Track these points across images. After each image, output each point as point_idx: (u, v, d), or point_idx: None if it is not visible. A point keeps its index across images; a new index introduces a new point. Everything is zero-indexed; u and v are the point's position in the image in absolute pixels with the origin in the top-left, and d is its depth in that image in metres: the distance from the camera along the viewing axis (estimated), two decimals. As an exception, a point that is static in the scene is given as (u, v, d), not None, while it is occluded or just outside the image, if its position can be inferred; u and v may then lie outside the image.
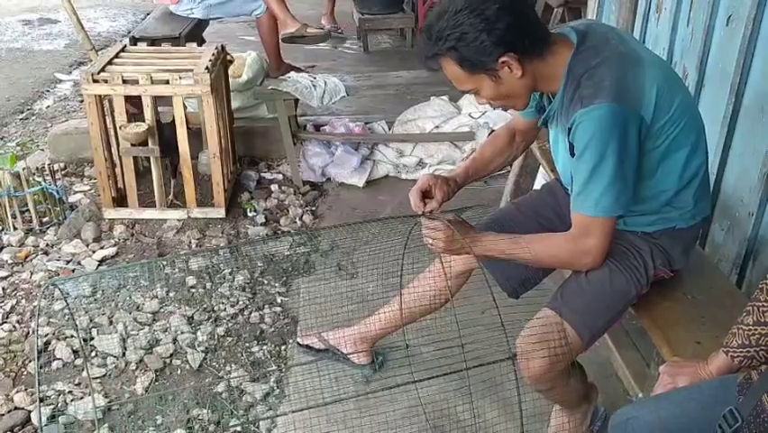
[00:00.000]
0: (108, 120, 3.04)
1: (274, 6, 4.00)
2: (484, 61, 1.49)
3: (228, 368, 2.33)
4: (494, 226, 1.89)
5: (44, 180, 3.08)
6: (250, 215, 3.23)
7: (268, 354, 2.40)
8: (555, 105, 1.61)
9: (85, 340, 2.39)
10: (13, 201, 2.98)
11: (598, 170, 1.50)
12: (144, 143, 2.96)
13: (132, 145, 2.96)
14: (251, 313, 2.58)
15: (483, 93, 1.58)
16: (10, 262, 2.83)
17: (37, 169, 3.13)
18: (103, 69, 2.92)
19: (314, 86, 3.50)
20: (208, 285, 2.71)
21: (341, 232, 3.02)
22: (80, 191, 3.38)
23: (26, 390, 2.22)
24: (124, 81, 2.89)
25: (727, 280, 1.97)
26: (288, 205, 3.35)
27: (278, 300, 2.67)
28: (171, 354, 2.37)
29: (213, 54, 3.12)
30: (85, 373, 2.25)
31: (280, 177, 3.59)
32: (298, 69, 4.18)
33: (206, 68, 2.94)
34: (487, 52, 1.47)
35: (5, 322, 2.50)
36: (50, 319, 2.50)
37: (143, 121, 2.94)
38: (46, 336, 2.42)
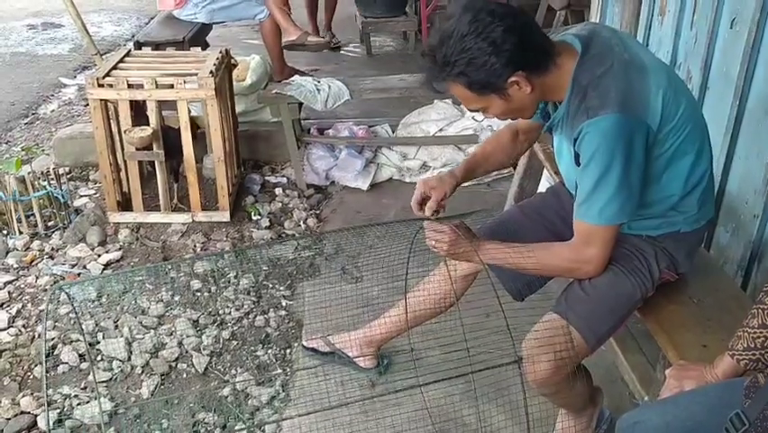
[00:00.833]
0: (113, 124, 3.04)
1: (276, 14, 4.01)
2: (494, 83, 1.49)
3: (233, 372, 2.34)
4: (498, 229, 1.90)
5: (49, 185, 3.08)
6: (254, 218, 3.23)
7: (273, 357, 2.41)
8: (560, 114, 1.60)
9: (91, 344, 2.39)
10: (19, 205, 2.99)
11: (604, 180, 1.51)
12: (149, 148, 2.97)
13: (137, 149, 2.96)
14: (256, 317, 2.58)
15: (492, 110, 1.58)
16: (15, 266, 2.84)
17: (42, 173, 3.14)
18: (108, 74, 2.93)
19: (317, 89, 3.51)
20: (213, 289, 2.72)
21: (345, 235, 3.03)
22: (85, 195, 3.39)
23: (33, 394, 2.22)
24: (129, 86, 2.90)
25: (733, 282, 1.97)
26: (292, 208, 3.36)
27: (283, 304, 2.67)
28: (177, 358, 2.38)
29: (217, 58, 3.13)
30: (91, 377, 2.25)
31: (284, 180, 3.60)
32: (302, 73, 4.18)
33: (211, 72, 2.95)
34: (497, 74, 1.47)
35: (11, 326, 2.51)
36: (56, 323, 2.51)
37: (147, 125, 2.96)
38: (52, 339, 2.42)
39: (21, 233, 3.01)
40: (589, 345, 1.64)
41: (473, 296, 2.03)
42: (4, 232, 3.03)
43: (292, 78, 3.74)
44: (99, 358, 2.36)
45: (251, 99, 3.70)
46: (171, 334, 2.47)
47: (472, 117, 3.64)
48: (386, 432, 2.00)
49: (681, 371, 1.43)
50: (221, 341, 2.45)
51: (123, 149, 3.05)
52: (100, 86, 2.89)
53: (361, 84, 3.67)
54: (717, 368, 1.36)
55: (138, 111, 3.03)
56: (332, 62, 5.24)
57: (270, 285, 2.78)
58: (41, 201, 3.04)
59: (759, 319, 1.27)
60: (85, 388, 2.25)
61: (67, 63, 5.53)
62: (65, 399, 2.20)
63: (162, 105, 3.02)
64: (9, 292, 2.68)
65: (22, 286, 2.73)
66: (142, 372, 2.32)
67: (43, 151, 3.92)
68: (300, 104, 3.59)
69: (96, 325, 2.49)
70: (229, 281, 2.76)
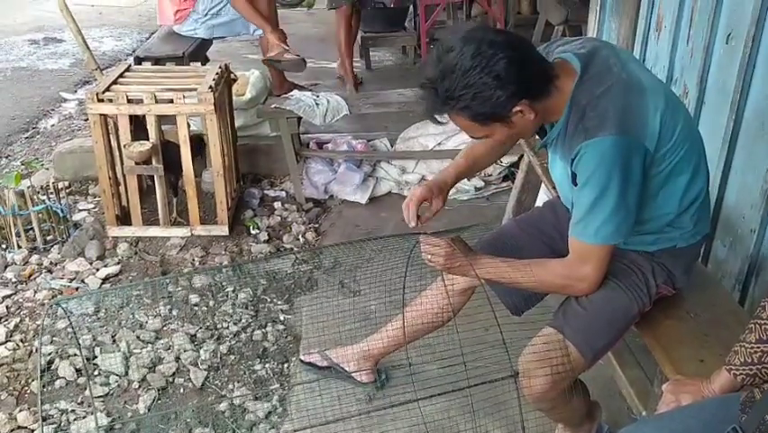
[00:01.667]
0: (112, 138, 3.06)
1: (265, 30, 4.03)
2: (499, 113, 1.48)
3: (231, 386, 2.33)
4: (495, 244, 1.90)
5: (48, 199, 3.09)
6: (253, 232, 3.24)
7: (270, 372, 2.40)
8: (555, 133, 1.60)
9: (88, 359, 2.39)
10: (18, 220, 3.00)
11: (601, 201, 1.51)
12: (148, 162, 2.98)
13: (137, 164, 2.98)
14: (253, 331, 2.58)
15: (496, 137, 1.57)
16: (14, 280, 2.84)
17: (41, 187, 3.15)
18: (108, 89, 2.95)
19: (316, 104, 3.52)
20: (211, 303, 2.71)
21: (343, 249, 3.03)
22: (84, 209, 3.39)
23: (29, 409, 2.22)
24: (129, 101, 2.92)
25: (730, 297, 1.96)
26: (290, 222, 3.36)
27: (281, 318, 2.67)
28: (174, 373, 2.37)
29: (217, 73, 3.15)
30: (88, 392, 2.25)
31: (283, 194, 3.60)
32: (301, 88, 4.20)
33: (210, 87, 2.96)
34: (502, 106, 1.46)
35: (9, 341, 2.50)
36: (54, 338, 2.50)
37: (147, 139, 2.97)
38: (49, 354, 2.42)
39: (20, 247, 3.02)
40: (586, 359, 1.64)
41: (471, 310, 2.03)
42: (3, 246, 3.03)
43: (291, 93, 3.75)
44: (96, 373, 2.36)
45: (250, 114, 3.72)
46: (169, 348, 2.47)
47: (471, 131, 3.65)
48: (383, 447, 2.00)
49: (678, 386, 1.43)
50: (218, 355, 2.45)
51: (122, 163, 3.06)
52: (100, 101, 2.91)
53: (359, 98, 3.68)
54: (714, 383, 1.36)
55: (137, 125, 3.04)
56: (331, 77, 5.26)
57: (268, 299, 2.77)
58: (40, 215, 3.04)
59: (756, 334, 1.27)
60: (81, 403, 2.25)
61: (67, 78, 5.56)
62: (62, 414, 2.20)
63: (162, 119, 3.03)
64: (7, 307, 2.68)
65: (21, 300, 2.73)
66: (139, 386, 2.31)
67: (43, 165, 3.93)
68: (299, 118, 3.61)
69: (94, 339, 2.49)
70: (227, 296, 2.76)
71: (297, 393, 2.27)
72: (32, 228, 3.04)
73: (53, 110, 4.91)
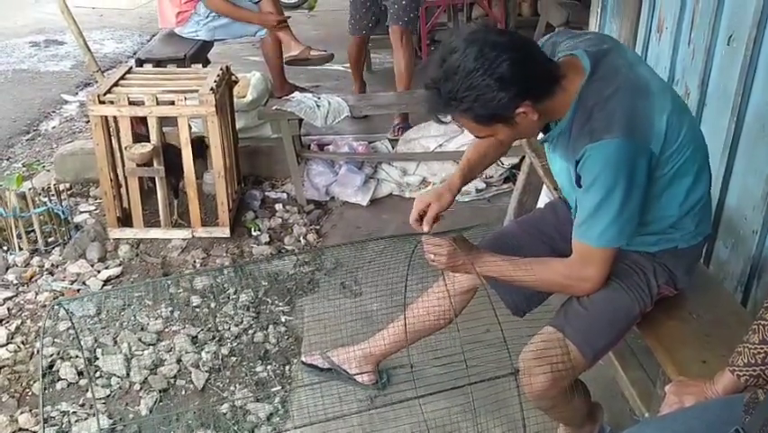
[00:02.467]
0: (114, 140, 3.06)
1: (278, 30, 4.04)
2: (502, 114, 1.48)
3: (232, 388, 2.33)
4: (497, 244, 1.90)
5: (50, 201, 3.09)
6: (254, 234, 3.24)
7: (272, 373, 2.40)
8: (558, 131, 1.60)
9: (89, 360, 2.39)
10: (19, 222, 3.00)
11: (605, 204, 1.50)
12: (149, 164, 2.98)
13: (138, 166, 2.98)
14: (255, 333, 2.58)
15: (499, 137, 1.58)
16: (15, 282, 2.84)
17: (43, 189, 3.15)
18: (109, 91, 2.95)
19: (317, 105, 3.52)
20: (213, 305, 2.71)
21: (344, 251, 3.03)
22: (86, 211, 3.40)
23: (31, 411, 2.22)
24: (130, 102, 2.92)
25: (732, 298, 1.97)
26: (292, 224, 3.36)
27: (283, 319, 2.67)
28: (175, 375, 2.37)
29: (218, 75, 3.15)
30: (89, 394, 2.25)
31: (284, 196, 3.60)
32: (302, 90, 4.20)
33: (212, 88, 2.97)
34: (505, 108, 1.46)
35: (10, 342, 2.50)
36: (55, 340, 2.50)
37: (148, 141, 2.97)
38: (51, 356, 2.42)
39: (21, 249, 3.02)
40: (587, 359, 1.64)
41: (473, 309, 2.03)
42: (5, 248, 3.03)
43: (292, 95, 3.76)
44: (98, 375, 2.35)
45: (251, 115, 3.72)
46: (170, 350, 2.47)
47: (472, 133, 3.65)
48: (385, 447, 2.00)
49: (680, 387, 1.43)
50: (220, 357, 2.45)
51: (123, 165, 3.07)
52: (101, 102, 2.91)
53: (361, 100, 3.68)
54: (718, 384, 1.35)
55: (139, 127, 3.04)
56: (332, 79, 5.27)
57: (270, 301, 2.77)
58: (41, 217, 3.04)
59: (759, 335, 1.27)
60: (83, 405, 2.25)
61: (69, 80, 5.57)
62: (63, 415, 2.20)
63: (163, 121, 3.03)
64: (8, 309, 2.68)
65: (22, 302, 2.73)
66: (141, 388, 2.31)
67: (44, 167, 3.94)
68: (300, 120, 3.61)
69: (95, 341, 2.49)
70: (228, 297, 2.76)
71: (299, 395, 2.27)
72: (33, 230, 3.04)
73: (54, 112, 4.92)
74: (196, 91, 2.96)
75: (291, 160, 3.54)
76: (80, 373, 2.35)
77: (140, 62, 3.87)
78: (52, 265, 2.95)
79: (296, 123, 3.57)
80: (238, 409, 2.24)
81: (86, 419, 2.18)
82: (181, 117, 2.95)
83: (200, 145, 3.17)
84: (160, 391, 2.29)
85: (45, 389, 2.28)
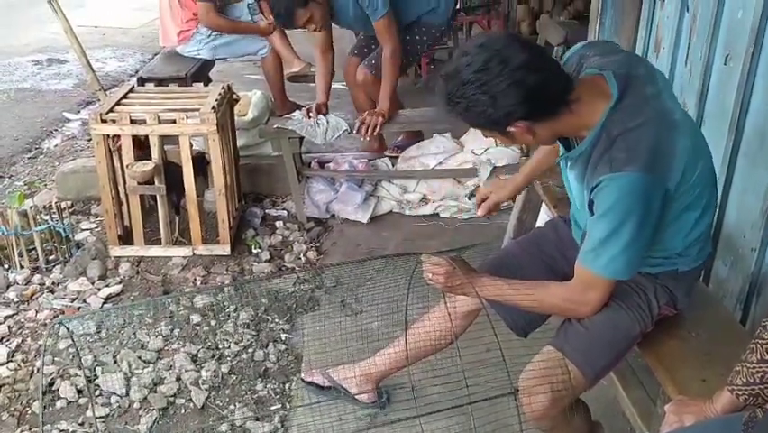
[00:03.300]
0: (115, 158, 3.07)
1: (279, 47, 4.07)
2: (491, 127, 1.50)
3: (232, 407, 2.32)
4: (498, 265, 1.91)
5: (51, 219, 3.10)
6: (254, 251, 3.24)
7: (272, 392, 2.39)
8: (579, 151, 1.57)
9: (89, 379, 2.38)
10: (20, 240, 3.01)
11: (616, 235, 1.49)
12: (151, 182, 2.99)
13: (139, 184, 2.99)
14: (255, 351, 2.57)
15: (498, 140, 1.60)
16: (16, 300, 2.84)
17: (44, 207, 3.16)
18: (111, 110, 2.97)
19: (317, 123, 3.55)
20: (213, 322, 2.71)
21: (345, 268, 3.03)
22: (87, 229, 3.41)
23: (30, 429, 2.21)
24: (132, 121, 2.94)
25: (731, 316, 1.97)
26: (292, 241, 3.37)
27: (283, 338, 2.67)
28: (175, 393, 2.36)
29: (219, 93, 3.17)
30: (89, 413, 2.24)
31: (285, 213, 3.61)
32: (303, 108, 4.22)
33: (213, 107, 2.99)
34: (494, 122, 1.47)
35: (11, 361, 2.50)
36: (55, 358, 2.50)
37: (149, 159, 2.98)
38: (50, 374, 2.42)
39: (22, 267, 3.02)
40: (587, 379, 1.64)
41: (473, 327, 2.03)
42: (6, 266, 3.04)
43: (293, 114, 3.78)
44: (97, 393, 2.35)
45: (252, 133, 3.74)
46: (170, 368, 2.46)
47: (471, 151, 3.67)
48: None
49: (680, 406, 1.43)
50: (220, 375, 2.44)
51: (125, 183, 3.08)
52: (103, 121, 2.93)
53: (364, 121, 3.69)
54: (717, 403, 1.35)
55: (140, 145, 3.06)
56: (333, 97, 5.27)
57: (270, 319, 2.77)
58: (42, 235, 3.05)
59: (758, 354, 1.27)
60: (83, 423, 2.24)
61: (71, 98, 5.60)
62: (62, 434, 2.19)
63: (165, 139, 3.05)
64: (9, 327, 2.68)
65: (22, 320, 2.73)
66: (141, 407, 2.31)
67: (46, 185, 3.95)
68: (301, 138, 3.63)
69: (95, 359, 2.49)
70: (228, 315, 2.76)
71: (299, 413, 2.27)
72: (34, 248, 3.05)
73: (56, 130, 4.94)
74: (198, 110, 2.98)
75: (292, 177, 3.55)
76: (80, 392, 2.35)
77: (142, 81, 3.91)
78: (53, 283, 2.96)
79: (296, 141, 3.59)
80: (237, 427, 2.23)
81: (85, 438, 2.18)
82: (183, 136, 2.97)
83: (201, 162, 3.19)
84: (159, 410, 2.29)
85: (45, 407, 2.27)
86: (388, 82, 3.50)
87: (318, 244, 3.38)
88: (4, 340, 2.61)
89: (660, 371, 1.64)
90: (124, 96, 3.16)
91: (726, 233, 2.26)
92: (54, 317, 2.73)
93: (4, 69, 6.33)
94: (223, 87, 3.29)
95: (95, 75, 3.72)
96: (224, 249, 3.15)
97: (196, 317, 2.73)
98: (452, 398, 1.88)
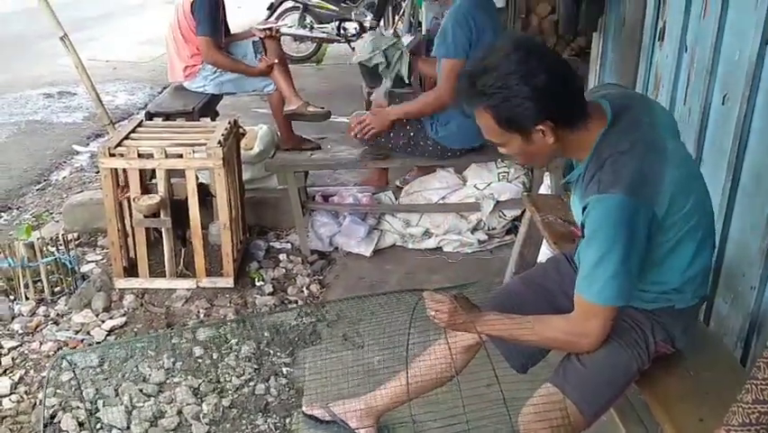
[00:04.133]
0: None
1: (281, 83, 4.14)
2: (522, 124, 1.52)
3: (232, 441, 2.32)
4: (500, 301, 1.92)
5: (57, 250, 3.14)
6: (258, 284, 3.26)
7: (272, 426, 2.39)
8: (576, 175, 1.64)
9: (90, 412, 2.39)
10: (27, 271, 3.04)
11: (605, 259, 1.52)
12: (156, 215, 3.03)
13: (145, 217, 3.03)
14: (256, 384, 2.58)
15: (509, 148, 1.60)
16: (20, 332, 2.86)
17: (51, 239, 3.20)
18: (119, 144, 3.02)
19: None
20: (215, 355, 2.72)
21: (347, 302, 3.04)
22: (92, 261, 3.44)
23: (31, 462, 2.21)
24: (140, 155, 2.98)
25: (731, 355, 1.97)
26: (295, 274, 3.39)
27: (284, 371, 2.67)
28: (176, 427, 2.36)
29: (225, 128, 3.23)
30: (89, 446, 2.25)
31: (289, 246, 3.64)
32: (309, 141, 4.28)
33: (219, 141, 3.04)
34: (528, 118, 1.50)
35: (13, 393, 2.51)
36: (57, 390, 2.51)
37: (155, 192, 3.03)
38: (52, 407, 2.42)
39: (27, 298, 3.05)
40: (586, 417, 1.64)
41: (475, 363, 2.03)
42: (12, 297, 3.07)
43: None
44: (99, 426, 2.35)
45: (258, 167, 3.79)
46: (171, 401, 2.47)
47: (474, 186, 3.70)
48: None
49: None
50: (221, 409, 2.44)
51: (131, 216, 3.12)
52: (111, 155, 2.98)
53: (367, 152, 3.74)
54: (714, 443, 1.35)
55: (145, 189, 3.10)
56: (338, 131, 5.35)
57: (272, 352, 2.78)
58: (48, 267, 3.08)
59: (753, 395, 1.28)
60: (83, 457, 2.24)
61: (80, 131, 5.68)
62: (63, 468, 2.19)
63: (172, 172, 3.09)
64: (13, 358, 2.70)
65: (26, 352, 2.75)
66: (141, 440, 2.31)
67: (53, 217, 3.99)
68: (306, 172, 3.67)
69: (97, 392, 2.49)
70: (231, 348, 2.77)
71: (299, 449, 2.26)
72: (40, 280, 3.08)
73: (65, 162, 5.01)
74: (204, 144, 3.03)
75: (296, 210, 3.58)
76: (81, 425, 2.35)
77: (150, 116, 3.97)
78: (57, 315, 2.98)
79: (301, 175, 3.63)
80: (238, 462, 2.23)
81: (85, 471, 2.17)
82: (189, 170, 3.01)
83: (205, 194, 3.22)
84: (160, 444, 2.29)
85: (46, 441, 2.27)
86: (412, 104, 3.43)
87: (321, 277, 3.39)
88: (8, 372, 2.63)
89: (658, 409, 1.64)
90: (133, 131, 3.22)
91: (726, 270, 2.28)
92: (58, 349, 2.75)
93: (16, 102, 6.44)
94: (229, 122, 3.34)
95: (104, 109, 3.79)
96: (228, 282, 3.17)
97: (198, 350, 2.74)
98: (453, 433, 1.87)
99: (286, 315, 3.00)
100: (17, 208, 4.20)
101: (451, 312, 1.70)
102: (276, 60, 4.14)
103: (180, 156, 3.01)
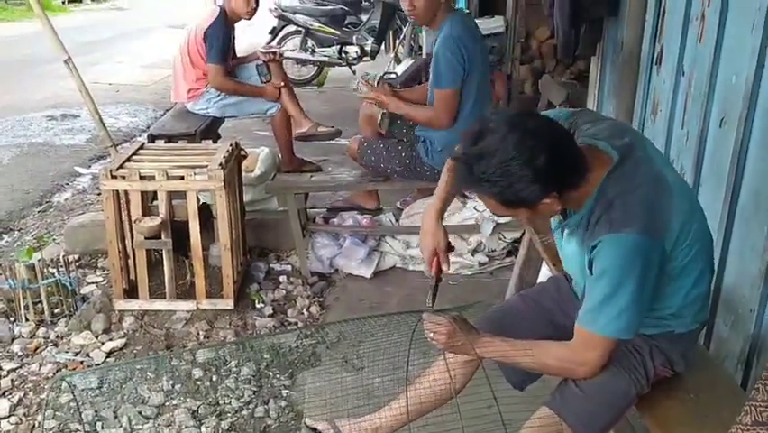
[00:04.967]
0: (123, 213, 3.13)
1: (289, 107, 4.18)
2: (528, 203, 1.49)
3: (231, 464, 2.31)
4: (500, 317, 1.93)
5: (58, 272, 3.14)
6: (258, 306, 3.26)
7: (272, 450, 2.38)
8: (576, 221, 1.61)
9: (89, 434, 2.38)
10: (27, 293, 3.04)
11: (615, 296, 1.51)
12: (158, 237, 3.04)
13: (146, 238, 3.04)
14: (255, 407, 2.57)
15: (515, 217, 1.60)
16: (20, 353, 2.85)
17: (51, 260, 3.20)
18: (121, 166, 3.04)
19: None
20: (214, 378, 2.71)
21: (347, 325, 3.04)
22: (93, 282, 3.44)
23: (28, 485, 2.20)
24: (141, 177, 3.00)
25: (731, 378, 1.96)
26: (295, 296, 3.39)
27: (284, 394, 2.66)
28: (175, 450, 2.35)
29: (227, 150, 3.25)
30: (87, 469, 2.23)
31: (289, 268, 3.64)
32: (310, 164, 4.31)
33: (220, 164, 3.05)
34: (534, 197, 1.47)
35: (12, 415, 2.50)
36: (56, 412, 2.50)
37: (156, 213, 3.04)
38: (51, 429, 2.41)
39: (27, 320, 3.05)
40: (584, 442, 1.63)
41: (476, 382, 2.02)
42: (12, 319, 3.07)
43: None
44: (97, 449, 2.34)
45: (258, 189, 3.81)
46: (170, 424, 2.46)
47: (474, 208, 3.71)
48: None
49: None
50: (220, 432, 2.43)
51: (132, 237, 3.13)
52: (113, 177, 3.00)
53: (366, 176, 3.76)
54: (714, 466, 1.35)
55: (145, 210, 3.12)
56: (339, 153, 5.38)
57: (271, 374, 2.77)
58: (48, 289, 3.08)
59: (752, 416, 1.28)
60: (81, 480, 2.23)
61: (83, 153, 5.71)
62: (60, 491, 2.17)
63: (173, 193, 3.11)
64: (12, 380, 2.69)
65: (26, 373, 2.74)
66: (140, 463, 2.29)
67: (54, 239, 4.00)
68: (306, 194, 3.69)
69: (96, 414, 2.48)
70: (230, 370, 2.76)
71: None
72: (40, 301, 3.08)
73: (67, 184, 5.03)
74: (206, 166, 3.05)
75: (296, 232, 3.59)
76: (79, 448, 2.34)
77: (152, 138, 3.99)
78: (57, 337, 2.97)
79: (301, 197, 3.65)
80: (236, 486, 2.21)
81: (82, 495, 2.16)
82: (190, 192, 3.03)
83: (207, 215, 3.23)
84: (158, 467, 2.28)
85: (43, 463, 2.26)
86: (412, 110, 3.39)
87: (321, 299, 3.39)
88: (7, 394, 2.62)
89: (658, 432, 1.63)
90: (135, 153, 3.24)
91: (725, 293, 2.28)
92: (57, 370, 2.74)
93: (19, 124, 6.49)
94: (231, 144, 3.37)
95: (107, 131, 3.82)
96: (228, 303, 3.17)
97: (197, 373, 2.73)
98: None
99: (286, 337, 2.99)
100: (19, 230, 4.21)
101: (449, 334, 1.71)
102: (282, 84, 4.19)
103: (182, 178, 3.02)
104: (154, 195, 3.22)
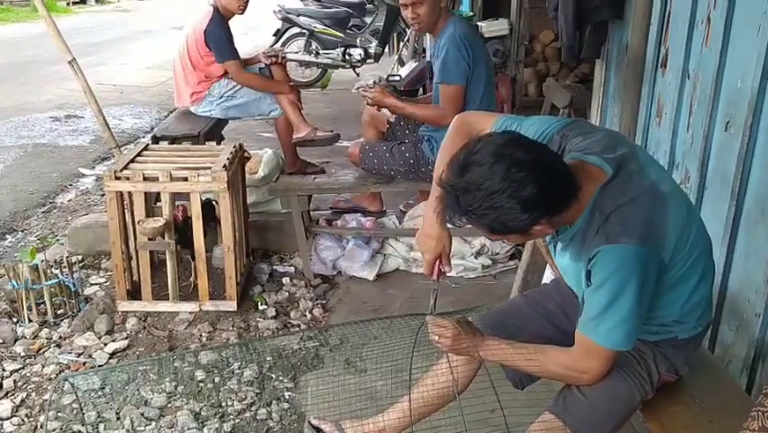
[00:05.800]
0: (127, 214, 3.13)
1: (289, 112, 4.18)
2: (518, 231, 1.48)
3: (233, 467, 2.30)
4: (503, 317, 1.93)
5: (61, 273, 3.14)
6: (261, 308, 3.26)
7: (274, 452, 2.37)
8: (569, 236, 1.60)
9: (91, 436, 2.37)
10: (30, 294, 3.04)
11: (614, 306, 1.51)
12: (161, 237, 3.04)
13: (150, 239, 3.04)
14: (258, 409, 2.56)
15: (508, 241, 1.59)
16: (23, 354, 2.85)
17: (55, 261, 3.20)
18: (125, 167, 3.04)
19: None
20: (217, 379, 2.71)
21: (350, 327, 3.03)
22: (96, 283, 3.44)
23: (30, 486, 2.20)
24: (145, 178, 3.00)
25: (736, 383, 1.96)
26: (298, 298, 3.38)
27: (286, 396, 2.66)
28: (177, 452, 2.35)
29: (231, 152, 3.25)
30: (89, 470, 2.23)
31: (292, 270, 3.64)
32: (313, 166, 4.31)
33: (224, 165, 3.05)
34: (524, 225, 1.45)
35: (15, 415, 2.50)
36: (59, 413, 2.50)
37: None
38: (53, 430, 2.41)
39: (30, 321, 3.05)
40: (587, 448, 1.63)
41: (480, 386, 2.02)
42: (15, 319, 3.07)
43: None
44: (99, 450, 2.34)
45: (262, 191, 3.81)
46: (172, 426, 2.45)
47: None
48: None
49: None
50: (222, 434, 2.43)
51: (135, 238, 3.13)
52: (117, 178, 3.00)
53: (369, 178, 3.76)
54: (720, 472, 1.34)
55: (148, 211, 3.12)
56: (343, 155, 5.38)
57: (274, 376, 2.77)
58: (52, 289, 3.08)
59: (759, 422, 1.27)
60: (83, 481, 2.22)
61: (87, 154, 5.72)
62: (62, 492, 2.17)
63: (177, 194, 3.11)
64: (15, 381, 2.69)
65: (28, 374, 2.74)
66: (142, 465, 2.29)
67: (57, 240, 4.01)
68: (309, 196, 3.68)
69: (99, 415, 2.48)
70: (233, 372, 2.76)
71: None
72: (43, 302, 3.08)
73: (71, 185, 5.04)
74: (209, 168, 3.05)
75: (300, 234, 3.59)
76: (82, 449, 2.34)
77: (156, 139, 4.00)
78: (60, 337, 2.97)
79: (305, 198, 3.65)
80: (238, 488, 2.20)
81: (85, 496, 2.16)
82: (194, 193, 3.03)
83: (211, 214, 3.23)
84: (160, 469, 2.27)
85: (46, 464, 2.26)
86: (414, 109, 3.40)
87: (324, 301, 3.39)
88: (9, 394, 2.62)
89: (663, 437, 1.63)
90: (138, 154, 3.24)
91: (730, 298, 2.27)
92: (60, 371, 2.74)
93: (23, 125, 6.50)
94: (234, 146, 3.37)
95: (111, 132, 3.82)
96: (231, 305, 3.17)
97: (200, 374, 2.72)
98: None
99: (288, 339, 2.99)
100: (22, 231, 4.22)
101: (454, 337, 1.70)
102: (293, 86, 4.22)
103: (185, 179, 3.02)
104: (158, 196, 3.22)
